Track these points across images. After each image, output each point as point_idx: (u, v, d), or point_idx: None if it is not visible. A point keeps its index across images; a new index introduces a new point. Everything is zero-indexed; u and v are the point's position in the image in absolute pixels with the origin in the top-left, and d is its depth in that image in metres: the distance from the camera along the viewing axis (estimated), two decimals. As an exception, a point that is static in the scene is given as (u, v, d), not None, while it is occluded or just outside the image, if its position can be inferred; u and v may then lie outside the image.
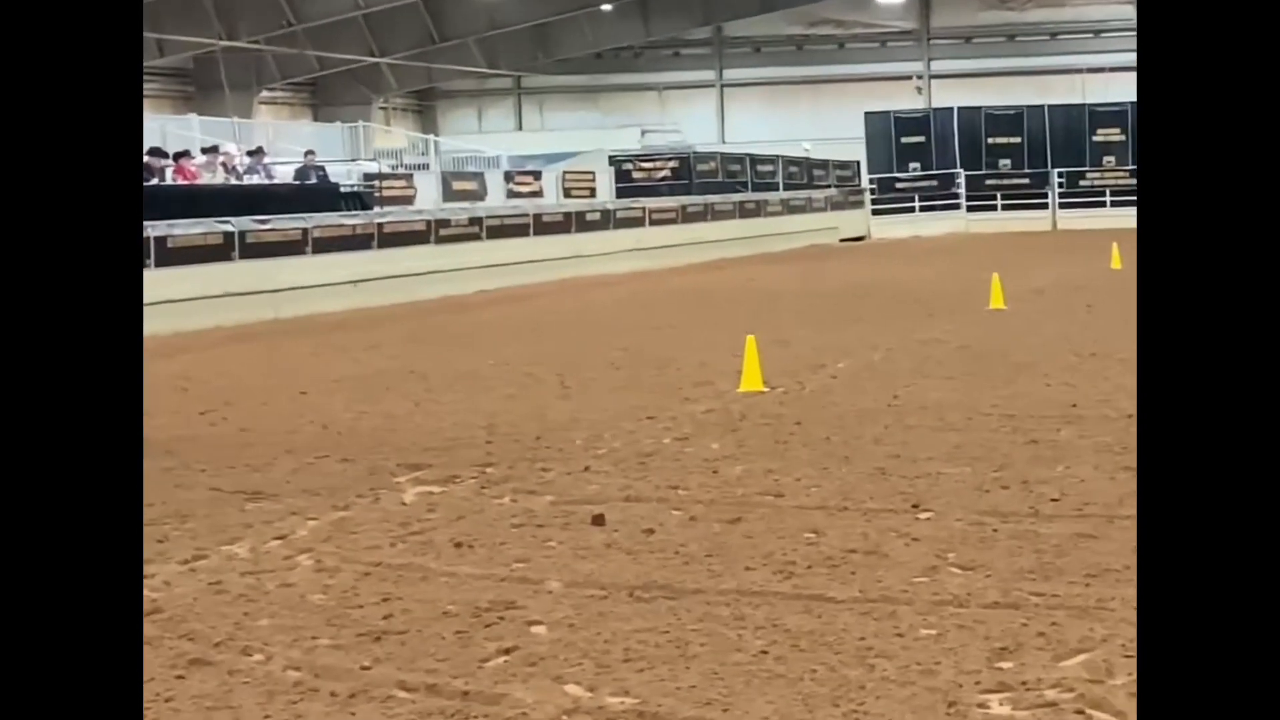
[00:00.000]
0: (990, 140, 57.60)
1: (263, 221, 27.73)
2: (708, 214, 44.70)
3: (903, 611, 7.07)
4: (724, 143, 63.42)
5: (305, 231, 28.59)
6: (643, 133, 65.24)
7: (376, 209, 32.86)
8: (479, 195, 38.57)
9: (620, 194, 44.56)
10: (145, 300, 21.83)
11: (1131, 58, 61.18)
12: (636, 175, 47.12)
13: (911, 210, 56.21)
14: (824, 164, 56.41)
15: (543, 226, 36.76)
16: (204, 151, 33.16)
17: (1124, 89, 60.73)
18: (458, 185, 38.67)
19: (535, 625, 7.05)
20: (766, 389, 14.89)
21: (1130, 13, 61.84)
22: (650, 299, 29.01)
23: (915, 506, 9.40)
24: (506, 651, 6.65)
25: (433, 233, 32.51)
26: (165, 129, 39.25)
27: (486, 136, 62.69)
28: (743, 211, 47.02)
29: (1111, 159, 56.73)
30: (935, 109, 60.54)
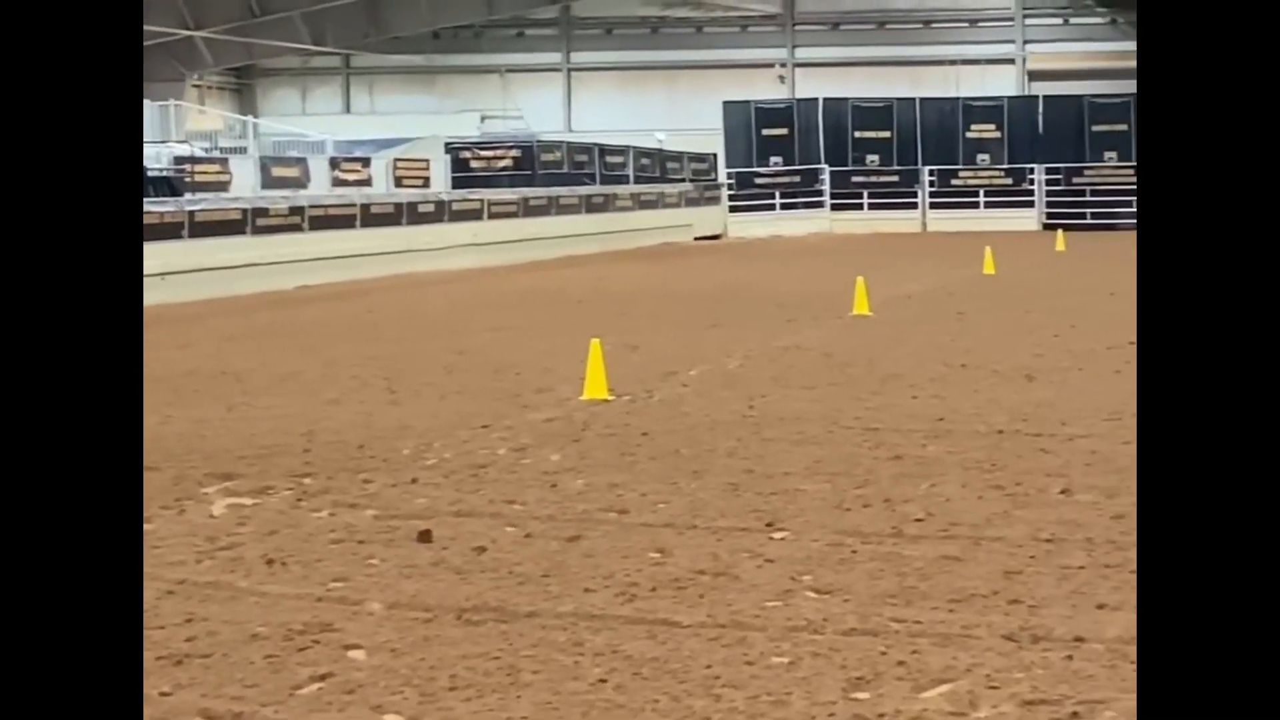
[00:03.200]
0: (857, 134, 58.16)
1: (61, 207, 27.31)
2: (552, 208, 44.73)
3: (753, 638, 7.08)
4: (570, 131, 63.44)
5: (109, 218, 28.18)
6: (482, 119, 65.20)
7: (187, 195, 32.55)
8: (301, 183, 38.35)
9: (457, 184, 44.49)
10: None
11: (1007, 49, 62.15)
12: (475, 164, 47.10)
13: (772, 208, 56.62)
14: (678, 156, 56.69)
15: (371, 218, 36.60)
16: (-3, 129, 32.63)
17: (1000, 82, 61.65)
18: (278, 171, 38.43)
19: (353, 650, 7.00)
20: (612, 397, 14.89)
21: (1007, 1, 62.70)
22: (489, 298, 28.96)
23: (770, 525, 9.42)
24: (321, 678, 6.59)
25: (249, 222, 32.25)
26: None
27: (311, 119, 62.27)
28: (590, 206, 47.11)
29: (986, 157, 57.46)
30: (799, 99, 61.03)
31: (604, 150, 52.35)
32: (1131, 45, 62.28)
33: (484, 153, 48.21)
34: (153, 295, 27.41)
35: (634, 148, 54.10)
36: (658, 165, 55.23)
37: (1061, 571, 8.13)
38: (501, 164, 47.38)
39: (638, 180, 52.79)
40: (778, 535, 9.16)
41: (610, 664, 6.73)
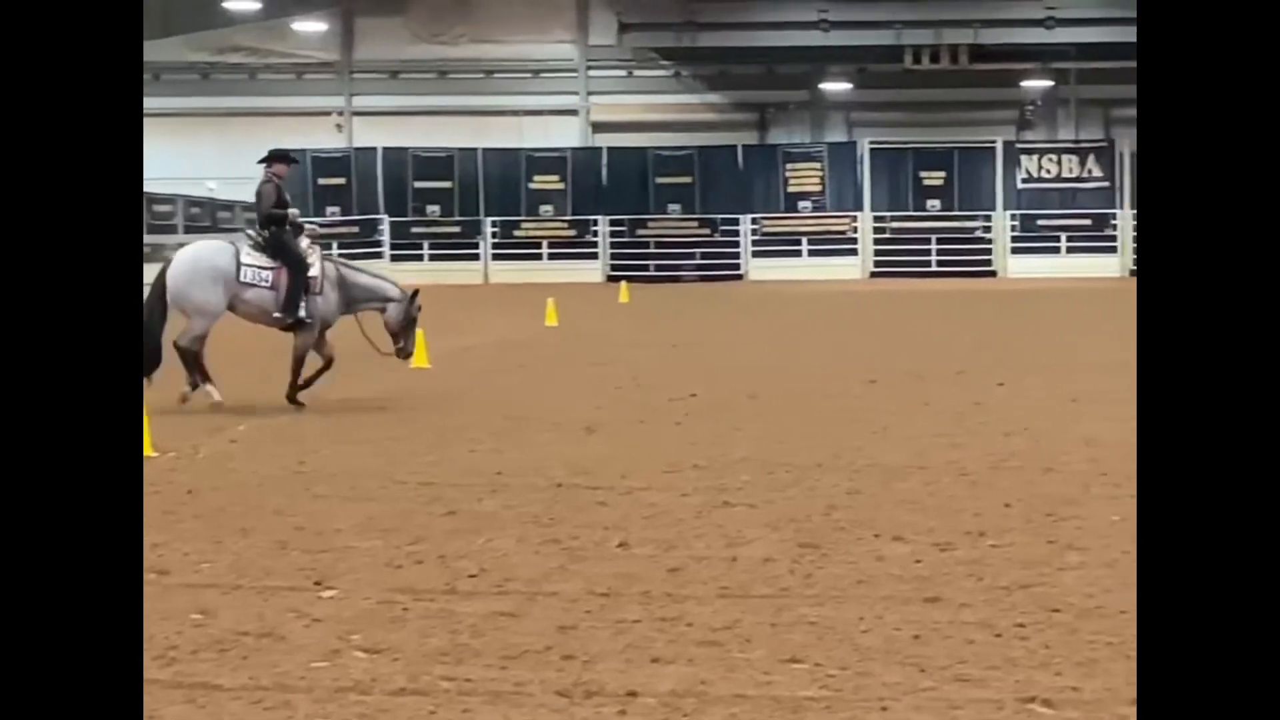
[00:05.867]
0: (417, 184, 58.25)
1: None
2: (96, 258, 43.77)
3: (298, 700, 7.00)
4: (117, 179, 62.13)
5: None
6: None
7: None
8: None
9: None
10: None
11: (571, 100, 62.97)
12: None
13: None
14: (230, 205, 56.01)
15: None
16: None
17: (564, 133, 62.34)
18: None
19: None
20: (156, 453, 14.59)
21: (570, 53, 63.56)
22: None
23: (318, 583, 9.33)
24: None
25: None
26: None
27: None
28: (137, 256, 46.21)
29: (550, 208, 58.07)
30: (357, 148, 60.87)
31: (151, 199, 51.45)
32: (694, 98, 63.72)
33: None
34: None
35: (184, 197, 53.32)
36: (209, 215, 54.54)
37: (616, 626, 8.20)
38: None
39: (188, 230, 51.99)
40: (326, 594, 9.07)
41: (144, 732, 6.56)
